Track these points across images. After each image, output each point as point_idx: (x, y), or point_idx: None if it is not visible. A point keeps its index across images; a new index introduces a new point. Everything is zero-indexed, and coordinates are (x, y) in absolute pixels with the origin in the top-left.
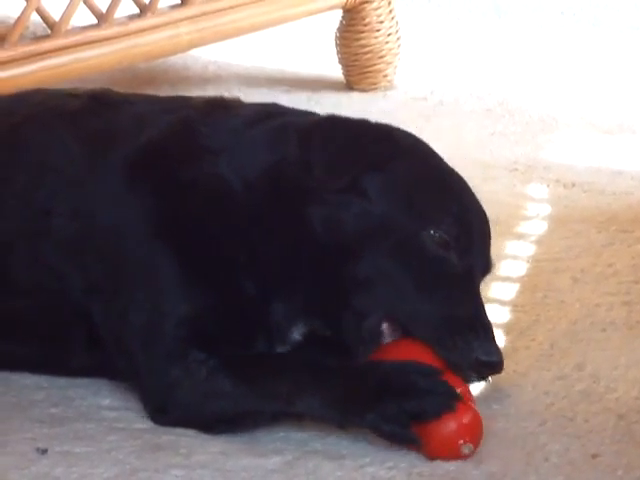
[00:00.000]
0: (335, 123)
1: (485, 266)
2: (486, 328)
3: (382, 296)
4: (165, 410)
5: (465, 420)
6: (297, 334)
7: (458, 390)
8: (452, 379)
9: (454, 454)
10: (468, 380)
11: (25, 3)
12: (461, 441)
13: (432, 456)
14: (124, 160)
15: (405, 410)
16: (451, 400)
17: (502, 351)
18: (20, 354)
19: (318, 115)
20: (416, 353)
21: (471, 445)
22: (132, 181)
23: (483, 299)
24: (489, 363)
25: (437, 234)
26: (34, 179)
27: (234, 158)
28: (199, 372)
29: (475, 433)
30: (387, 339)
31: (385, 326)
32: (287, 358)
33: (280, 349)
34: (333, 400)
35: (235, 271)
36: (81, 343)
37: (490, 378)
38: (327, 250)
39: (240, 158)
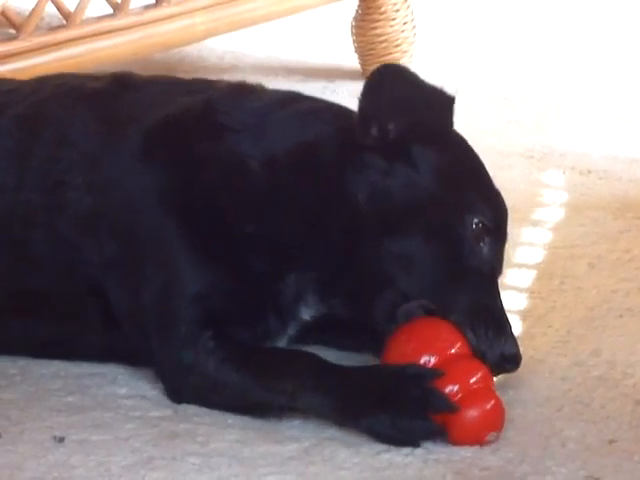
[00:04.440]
0: (401, 71)
1: (499, 268)
2: (509, 324)
3: (421, 276)
4: (179, 391)
5: (488, 407)
6: (306, 314)
7: (479, 374)
8: (472, 365)
9: (478, 441)
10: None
11: None
12: (486, 431)
13: (457, 443)
14: (139, 135)
15: (396, 426)
16: (436, 429)
17: (519, 338)
18: (37, 335)
19: (340, 105)
20: (445, 332)
21: (495, 433)
22: (145, 156)
23: (500, 286)
24: (510, 357)
25: (479, 223)
26: (53, 153)
27: (259, 137)
28: (207, 363)
29: (498, 420)
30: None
31: (419, 310)
32: (294, 355)
33: (292, 329)
34: (331, 402)
35: (246, 248)
36: (97, 322)
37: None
38: (367, 221)
39: (266, 137)
